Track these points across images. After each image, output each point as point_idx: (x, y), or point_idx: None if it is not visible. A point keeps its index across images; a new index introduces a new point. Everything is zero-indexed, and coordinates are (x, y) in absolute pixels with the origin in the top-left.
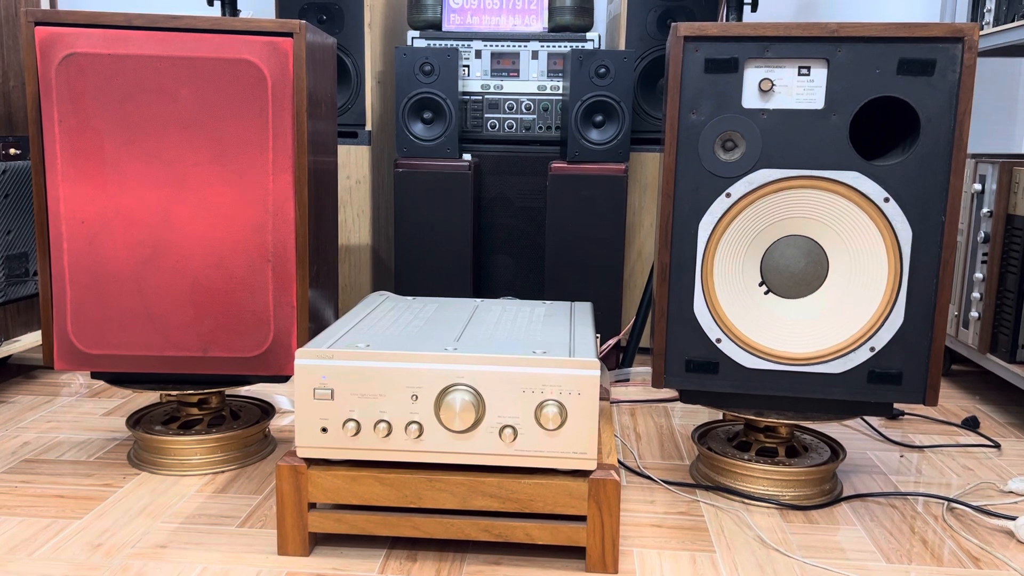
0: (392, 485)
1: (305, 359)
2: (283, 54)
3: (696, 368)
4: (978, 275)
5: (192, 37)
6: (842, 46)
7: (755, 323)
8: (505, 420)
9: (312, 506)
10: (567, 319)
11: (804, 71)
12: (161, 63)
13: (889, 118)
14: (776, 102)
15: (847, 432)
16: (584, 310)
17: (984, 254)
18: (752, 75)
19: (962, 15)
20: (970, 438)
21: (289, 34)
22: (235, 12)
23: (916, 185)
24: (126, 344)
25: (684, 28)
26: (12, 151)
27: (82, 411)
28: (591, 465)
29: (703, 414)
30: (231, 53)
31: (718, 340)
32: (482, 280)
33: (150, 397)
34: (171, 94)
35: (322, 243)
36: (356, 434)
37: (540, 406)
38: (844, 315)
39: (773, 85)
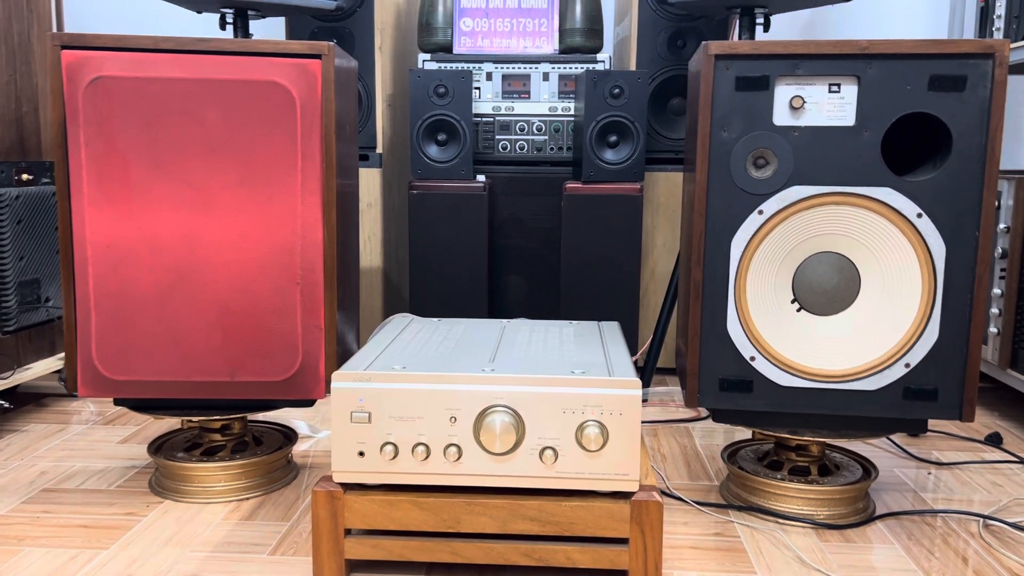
0: (430, 509)
1: (342, 382)
2: (312, 76)
3: (730, 387)
4: (996, 291)
5: (219, 59)
6: (872, 63)
7: (789, 341)
8: (545, 442)
9: (348, 532)
10: (598, 338)
11: (835, 88)
12: (188, 86)
13: (920, 134)
14: (807, 119)
15: (871, 449)
16: (613, 329)
17: (1002, 269)
18: (783, 92)
19: (969, 31)
20: (995, 454)
21: (318, 56)
22: (247, 36)
23: (949, 200)
24: (152, 370)
25: (715, 47)
26: (25, 176)
27: (96, 439)
28: (633, 486)
29: (725, 433)
30: (259, 75)
31: (752, 358)
32: (495, 301)
33: (168, 424)
34: (198, 117)
35: (347, 266)
36: (394, 457)
37: (581, 427)
38: (878, 331)
39: (804, 102)
